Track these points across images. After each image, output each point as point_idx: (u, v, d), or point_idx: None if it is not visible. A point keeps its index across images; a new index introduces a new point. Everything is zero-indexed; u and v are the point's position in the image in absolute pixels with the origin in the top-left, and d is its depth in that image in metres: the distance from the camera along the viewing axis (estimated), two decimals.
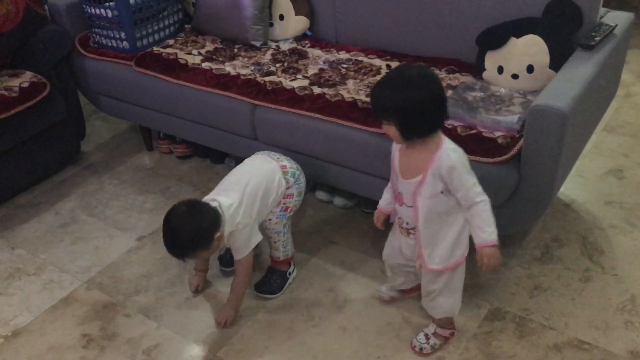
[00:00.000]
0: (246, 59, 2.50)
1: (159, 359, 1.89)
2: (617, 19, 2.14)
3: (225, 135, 2.44)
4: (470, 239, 1.65)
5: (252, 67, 2.41)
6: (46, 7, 2.76)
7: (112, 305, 2.09)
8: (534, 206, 1.88)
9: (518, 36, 2.04)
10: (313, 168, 2.19)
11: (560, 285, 2.06)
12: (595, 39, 1.97)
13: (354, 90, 2.18)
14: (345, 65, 2.38)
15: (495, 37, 2.09)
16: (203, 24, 2.73)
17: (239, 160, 2.17)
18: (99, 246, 2.37)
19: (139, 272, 2.23)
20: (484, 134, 1.88)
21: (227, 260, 2.19)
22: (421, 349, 1.83)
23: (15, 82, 2.50)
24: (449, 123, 1.94)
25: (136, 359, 1.89)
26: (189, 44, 2.66)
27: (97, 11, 2.60)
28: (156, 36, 2.69)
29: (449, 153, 1.53)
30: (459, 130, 1.90)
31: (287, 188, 1.99)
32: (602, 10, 2.12)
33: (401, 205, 1.66)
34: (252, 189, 1.90)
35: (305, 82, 2.28)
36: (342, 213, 2.47)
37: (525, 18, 2.07)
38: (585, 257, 2.17)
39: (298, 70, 2.37)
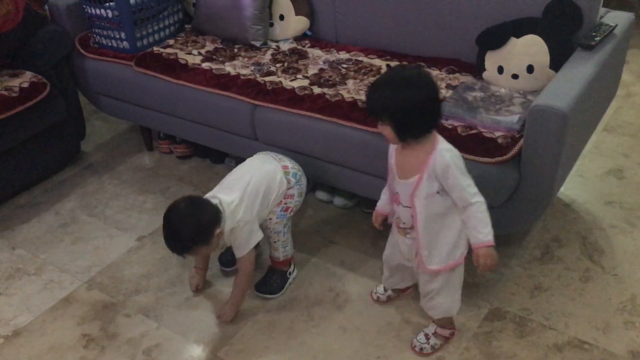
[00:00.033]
0: (246, 59, 2.51)
1: (159, 359, 1.89)
2: (617, 19, 2.14)
3: (226, 135, 2.44)
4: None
5: (252, 67, 2.41)
6: (46, 7, 2.76)
7: (112, 305, 2.09)
8: (534, 206, 1.88)
9: (518, 36, 2.04)
10: (313, 168, 2.19)
11: (561, 285, 2.06)
12: (595, 39, 1.97)
13: (354, 90, 2.18)
14: (345, 66, 2.38)
15: (496, 37, 2.09)
16: (203, 24, 2.73)
17: (239, 160, 2.18)
18: (99, 246, 2.37)
19: (139, 272, 2.23)
20: (484, 134, 1.88)
21: (227, 260, 2.19)
22: (421, 349, 1.83)
23: (15, 82, 2.50)
24: (449, 123, 1.94)
25: (136, 359, 1.89)
26: (189, 44, 2.66)
27: (97, 11, 2.60)
28: (156, 36, 2.69)
29: (443, 153, 1.54)
30: (459, 130, 1.90)
31: (289, 188, 2.00)
32: (602, 10, 2.12)
33: (398, 205, 1.67)
34: (253, 188, 1.90)
35: (306, 82, 2.28)
36: (342, 213, 2.47)
37: (525, 18, 2.07)
38: (586, 257, 2.17)
39: (298, 70, 2.37)
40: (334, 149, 2.12)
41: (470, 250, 1.64)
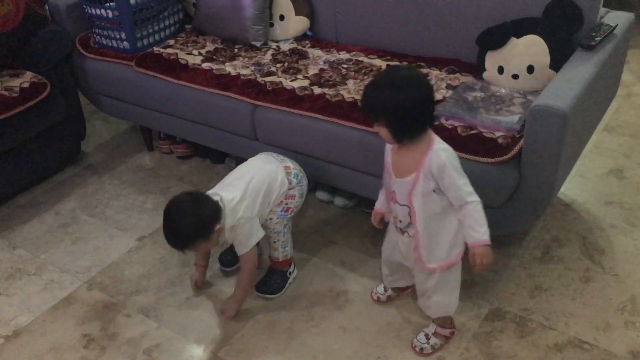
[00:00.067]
0: (246, 59, 2.51)
1: (159, 359, 1.89)
2: (618, 19, 2.14)
3: (226, 135, 2.44)
4: None
5: (253, 68, 2.42)
6: (46, 7, 2.76)
7: (113, 305, 2.10)
8: (534, 206, 1.88)
9: (518, 36, 2.04)
10: (313, 168, 2.19)
11: (561, 285, 2.06)
12: (596, 39, 1.97)
13: (355, 91, 2.18)
14: (345, 66, 2.38)
15: (496, 37, 2.09)
16: (203, 24, 2.73)
17: (239, 161, 2.18)
18: (100, 246, 2.37)
19: (139, 272, 2.23)
20: (484, 134, 1.88)
21: (227, 260, 2.19)
22: (422, 349, 1.83)
23: (15, 83, 2.51)
24: (449, 123, 1.94)
25: (136, 359, 1.89)
26: (189, 44, 2.66)
27: (98, 11, 2.60)
28: (157, 36, 2.69)
29: (439, 153, 1.55)
30: (459, 130, 1.90)
31: (290, 189, 2.00)
32: (602, 10, 2.12)
33: (395, 203, 1.68)
34: (254, 186, 1.90)
35: (306, 82, 2.28)
36: (343, 213, 2.47)
37: (526, 18, 2.07)
38: (586, 257, 2.17)
39: (298, 71, 2.37)
40: (334, 149, 2.12)
41: (466, 250, 1.65)
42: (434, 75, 2.24)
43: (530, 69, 2.04)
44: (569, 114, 1.68)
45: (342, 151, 2.10)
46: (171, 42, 2.70)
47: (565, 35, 2.01)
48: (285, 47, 2.59)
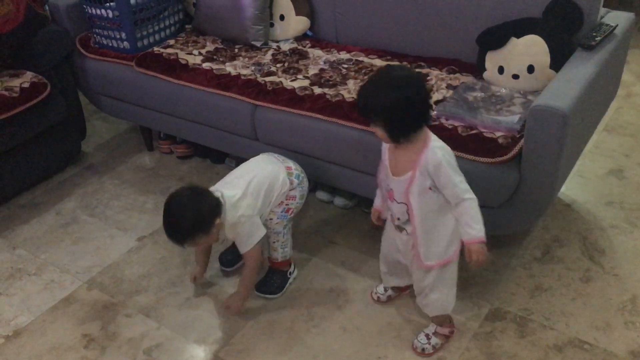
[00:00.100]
0: (247, 59, 2.51)
1: (159, 359, 1.89)
2: (618, 19, 2.14)
3: (226, 135, 2.44)
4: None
5: (253, 68, 2.42)
6: (47, 7, 2.76)
7: (113, 305, 2.10)
8: (535, 206, 1.88)
9: (518, 36, 2.04)
10: (313, 168, 2.19)
11: (561, 285, 2.06)
12: (596, 39, 1.97)
13: (355, 91, 2.18)
14: (345, 66, 2.38)
15: (496, 37, 2.09)
16: (204, 24, 2.74)
17: (239, 161, 2.18)
18: (100, 246, 2.37)
19: (139, 272, 2.23)
20: (484, 134, 1.88)
21: (227, 260, 2.19)
22: (423, 349, 1.83)
23: (16, 83, 2.51)
24: (449, 123, 1.94)
25: (137, 359, 1.89)
26: (189, 44, 2.66)
27: (98, 11, 2.60)
28: (157, 36, 2.69)
29: (435, 151, 1.56)
30: (459, 130, 1.90)
31: (291, 189, 2.00)
32: (602, 10, 2.12)
33: (392, 201, 1.68)
34: (255, 185, 1.91)
35: (306, 82, 2.28)
36: (343, 213, 2.47)
37: (526, 18, 2.07)
38: (586, 257, 2.17)
39: (298, 71, 2.37)
40: (335, 149, 2.12)
41: (462, 247, 1.66)
42: (434, 75, 2.24)
43: (531, 69, 2.04)
44: (569, 114, 1.68)
45: (342, 151, 2.10)
46: (171, 42, 2.70)
47: (566, 35, 2.01)
48: (286, 47, 2.59)
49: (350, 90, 2.19)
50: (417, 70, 2.29)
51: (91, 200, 2.65)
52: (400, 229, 1.72)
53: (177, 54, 2.56)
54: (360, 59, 2.43)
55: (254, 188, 1.90)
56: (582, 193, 2.49)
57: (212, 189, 1.90)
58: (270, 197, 1.94)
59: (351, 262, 2.20)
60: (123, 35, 2.61)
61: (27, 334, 2.01)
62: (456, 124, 1.93)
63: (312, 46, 2.58)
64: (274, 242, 2.03)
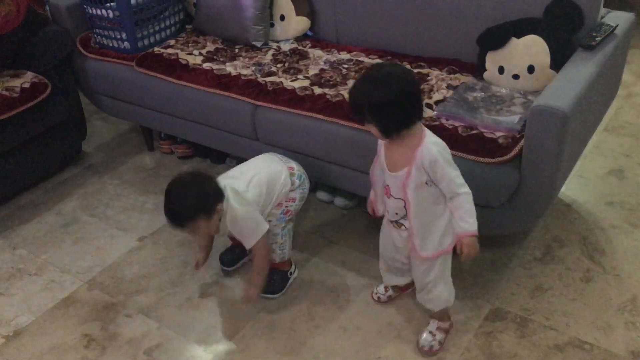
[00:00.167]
0: (247, 59, 2.51)
1: (160, 359, 1.89)
2: (618, 19, 2.14)
3: (226, 135, 2.44)
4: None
5: (253, 68, 2.42)
6: (47, 7, 2.76)
7: (113, 305, 2.10)
8: (535, 206, 1.88)
9: (519, 36, 2.04)
10: (314, 168, 2.19)
11: (561, 285, 2.06)
12: (596, 39, 1.97)
13: None
14: (346, 66, 2.38)
15: (496, 37, 2.09)
16: (204, 24, 2.74)
17: (239, 161, 2.18)
18: (100, 246, 2.37)
19: (140, 272, 2.23)
20: (484, 134, 1.88)
21: (228, 260, 2.19)
22: (431, 347, 1.84)
23: (16, 83, 2.51)
24: (449, 123, 1.94)
25: (137, 359, 1.89)
26: (190, 45, 2.66)
27: (98, 12, 2.61)
28: (157, 36, 2.70)
29: (430, 147, 1.57)
30: (460, 130, 1.91)
31: (291, 190, 2.00)
32: (602, 10, 2.12)
33: (389, 197, 1.69)
34: (258, 180, 1.91)
35: (306, 83, 2.28)
36: (343, 213, 2.47)
37: (526, 18, 2.07)
38: (586, 257, 2.17)
39: (299, 71, 2.37)
40: (335, 149, 2.12)
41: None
42: (435, 75, 2.24)
43: (531, 69, 2.04)
44: (570, 114, 1.68)
45: (343, 151, 2.10)
46: (172, 42, 2.70)
47: (566, 35, 2.01)
48: (286, 47, 2.59)
49: None
50: (417, 70, 2.29)
51: (91, 200, 2.65)
52: (398, 224, 1.72)
53: (177, 54, 2.56)
54: (361, 59, 2.43)
55: (256, 184, 1.90)
56: (582, 193, 2.49)
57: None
58: (272, 195, 1.94)
59: (351, 262, 2.20)
60: (123, 35, 2.61)
61: (28, 334, 2.01)
62: (456, 124, 1.94)
63: (313, 46, 2.58)
64: (272, 244, 2.03)
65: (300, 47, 2.57)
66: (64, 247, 2.38)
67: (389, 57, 2.41)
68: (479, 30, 2.13)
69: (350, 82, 2.24)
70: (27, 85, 2.51)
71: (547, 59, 2.00)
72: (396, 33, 2.44)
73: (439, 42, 2.35)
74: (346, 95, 2.13)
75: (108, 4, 2.59)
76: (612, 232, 2.28)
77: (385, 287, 2.01)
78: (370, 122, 1.58)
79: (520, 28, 2.05)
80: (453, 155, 1.65)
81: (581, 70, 1.88)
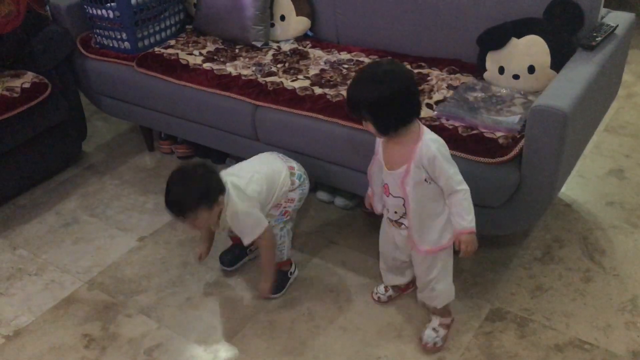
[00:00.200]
0: (247, 59, 2.51)
1: (160, 359, 1.89)
2: (618, 19, 2.14)
3: (227, 135, 2.45)
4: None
5: (253, 68, 2.42)
6: (47, 7, 2.76)
7: (113, 305, 2.10)
8: (535, 206, 1.88)
9: (519, 36, 2.04)
10: (314, 168, 2.19)
11: (561, 285, 2.06)
12: (597, 39, 1.97)
13: None
14: (346, 66, 2.38)
15: (496, 37, 2.09)
16: (204, 24, 2.74)
17: (239, 161, 2.18)
18: (100, 246, 2.37)
19: (140, 272, 2.23)
20: (485, 134, 1.88)
21: (228, 260, 2.19)
22: (435, 343, 1.84)
23: (16, 83, 2.51)
24: (449, 123, 1.94)
25: (137, 359, 1.89)
26: (190, 45, 2.66)
27: (99, 12, 2.61)
28: (157, 37, 2.70)
29: (429, 144, 1.57)
30: (460, 130, 1.91)
31: (291, 190, 2.00)
32: (603, 10, 2.12)
33: (388, 196, 1.69)
34: (258, 178, 1.92)
35: (307, 83, 2.28)
36: (343, 213, 2.47)
37: (526, 18, 2.07)
38: (586, 257, 2.17)
39: (299, 71, 2.37)
40: (335, 149, 2.12)
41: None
42: (435, 75, 2.24)
43: (531, 69, 2.04)
44: (570, 114, 1.68)
45: (343, 151, 2.10)
46: (172, 42, 2.70)
47: (566, 35, 2.01)
48: (286, 47, 2.59)
49: None
50: (417, 70, 2.29)
51: (92, 200, 2.65)
52: (398, 224, 1.73)
53: (177, 54, 2.56)
54: (361, 59, 2.43)
55: (257, 181, 1.91)
56: (582, 193, 2.49)
57: None
58: (272, 193, 1.94)
59: (351, 262, 2.20)
60: (124, 35, 2.61)
61: (28, 334, 2.01)
62: (457, 124, 1.94)
63: (313, 46, 2.58)
64: None
65: (300, 47, 2.57)
66: (64, 247, 2.38)
67: (389, 57, 2.41)
68: (479, 31, 2.13)
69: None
70: (27, 85, 2.51)
71: (547, 59, 2.00)
72: (396, 33, 2.44)
73: (439, 43, 2.35)
74: (345, 95, 2.14)
75: (108, 4, 2.59)
76: (612, 232, 2.28)
77: (385, 287, 2.01)
78: (367, 120, 1.58)
79: (520, 28, 2.05)
80: (453, 156, 1.65)
81: (581, 70, 1.88)
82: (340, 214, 2.46)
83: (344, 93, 2.14)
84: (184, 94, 2.44)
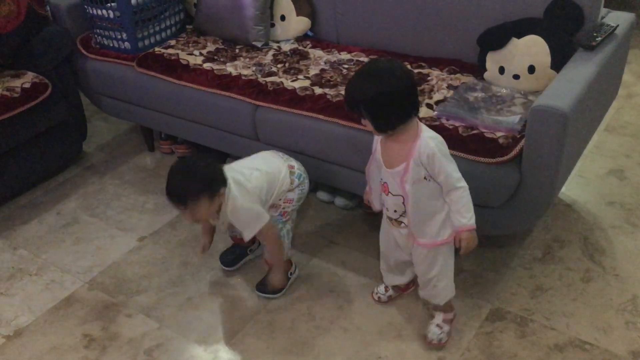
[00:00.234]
0: (247, 59, 2.51)
1: (160, 359, 1.89)
2: (619, 19, 2.14)
3: (227, 135, 2.45)
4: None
5: (254, 68, 2.42)
6: (48, 7, 2.76)
7: (114, 305, 2.10)
8: (535, 206, 1.88)
9: (519, 36, 2.04)
10: (314, 168, 2.19)
11: (562, 285, 2.06)
12: (597, 39, 1.97)
13: None
14: (346, 66, 2.38)
15: (497, 37, 2.09)
16: (204, 24, 2.74)
17: None
18: (101, 246, 2.37)
19: (140, 272, 2.23)
20: (485, 134, 1.88)
21: (228, 260, 2.19)
22: (440, 339, 1.85)
23: (17, 83, 2.51)
24: (450, 123, 1.94)
25: (137, 359, 1.89)
26: (190, 45, 2.66)
27: (99, 12, 2.61)
28: (158, 37, 2.70)
29: (428, 142, 1.58)
30: (460, 130, 1.91)
31: (289, 190, 2.00)
32: (603, 10, 2.12)
33: (388, 195, 1.70)
34: (259, 175, 1.92)
35: (307, 83, 2.28)
36: (343, 213, 2.47)
37: (527, 18, 2.07)
38: (587, 257, 2.17)
39: (299, 71, 2.37)
40: (335, 149, 2.12)
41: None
42: (435, 75, 2.24)
43: (531, 69, 2.04)
44: (570, 114, 1.68)
45: (343, 151, 2.10)
46: (172, 42, 2.70)
47: (566, 35, 2.01)
48: (286, 47, 2.59)
49: None
50: (417, 70, 2.29)
51: (92, 200, 2.65)
52: (398, 222, 1.73)
53: (178, 54, 2.56)
54: (361, 59, 2.43)
55: (257, 178, 1.91)
56: (582, 193, 2.49)
57: None
58: (272, 190, 1.94)
59: (352, 262, 2.20)
60: (124, 35, 2.61)
61: (28, 334, 2.01)
62: (457, 124, 1.94)
63: (313, 46, 2.58)
64: None
65: (300, 48, 2.57)
66: (64, 247, 2.38)
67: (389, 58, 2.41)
68: (480, 31, 2.13)
69: None
70: (27, 85, 2.51)
71: (547, 59, 2.00)
72: (397, 33, 2.44)
73: (439, 43, 2.35)
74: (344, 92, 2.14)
75: (108, 4, 2.60)
76: (612, 232, 2.28)
77: (386, 287, 2.01)
78: (364, 118, 1.59)
79: (520, 28, 2.05)
80: (453, 156, 1.65)
81: (581, 70, 1.88)
82: (341, 214, 2.46)
83: (344, 93, 2.16)
84: (184, 94, 2.45)
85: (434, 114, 2.00)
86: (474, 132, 1.89)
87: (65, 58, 2.72)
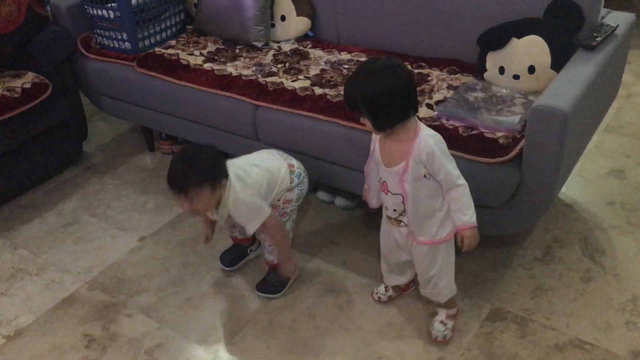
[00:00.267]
0: (248, 59, 2.51)
1: (160, 359, 1.89)
2: (619, 19, 2.14)
3: (227, 135, 2.45)
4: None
5: (254, 68, 2.42)
6: (48, 8, 2.76)
7: (114, 305, 2.10)
8: (535, 206, 1.88)
9: (519, 37, 2.04)
10: (314, 168, 2.20)
11: (562, 285, 2.06)
12: (597, 39, 1.98)
13: None
14: (346, 66, 2.38)
15: (497, 37, 2.09)
16: (205, 24, 2.74)
17: None
18: (101, 246, 2.37)
19: (140, 273, 2.23)
20: (485, 134, 1.88)
21: (229, 260, 2.19)
22: (444, 336, 1.85)
23: (17, 83, 2.51)
24: (450, 123, 1.94)
25: (138, 359, 1.89)
26: (190, 45, 2.66)
27: (99, 12, 2.61)
28: (158, 37, 2.70)
29: (427, 140, 1.58)
30: (460, 130, 1.91)
31: (289, 190, 2.00)
32: (603, 10, 2.12)
33: (387, 194, 1.70)
34: (259, 172, 1.92)
35: (307, 83, 2.28)
36: (344, 213, 2.47)
37: (527, 18, 2.07)
38: (587, 257, 2.17)
39: (299, 71, 2.37)
40: (336, 149, 2.13)
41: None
42: (435, 75, 2.24)
43: (531, 70, 2.04)
44: (570, 114, 1.68)
45: (343, 151, 2.11)
46: (172, 42, 2.70)
47: (566, 35, 2.02)
48: (287, 47, 2.59)
49: None
50: (417, 70, 2.29)
51: (92, 200, 2.65)
52: (397, 221, 1.73)
53: (178, 54, 2.56)
54: (361, 59, 2.43)
55: (258, 174, 1.91)
56: (582, 193, 2.49)
57: None
58: (272, 188, 1.94)
59: (352, 262, 2.20)
60: (124, 35, 2.61)
61: (28, 334, 2.01)
62: (457, 124, 1.94)
63: (313, 47, 2.58)
64: (270, 245, 2.03)
65: (300, 48, 2.58)
66: (64, 247, 2.38)
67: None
68: (480, 31, 2.13)
69: None
70: (28, 85, 2.51)
71: (547, 59, 2.00)
72: (397, 33, 2.44)
73: (439, 43, 2.35)
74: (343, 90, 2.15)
75: (109, 5, 2.60)
76: (612, 232, 2.28)
77: (386, 287, 2.01)
78: (363, 116, 1.59)
79: (520, 28, 2.05)
80: (453, 156, 1.65)
81: (581, 70, 1.88)
82: (341, 214, 2.46)
83: (344, 91, 2.16)
84: (184, 94, 2.45)
85: (434, 114, 2.00)
86: (474, 132, 1.89)
87: (66, 58, 2.72)
